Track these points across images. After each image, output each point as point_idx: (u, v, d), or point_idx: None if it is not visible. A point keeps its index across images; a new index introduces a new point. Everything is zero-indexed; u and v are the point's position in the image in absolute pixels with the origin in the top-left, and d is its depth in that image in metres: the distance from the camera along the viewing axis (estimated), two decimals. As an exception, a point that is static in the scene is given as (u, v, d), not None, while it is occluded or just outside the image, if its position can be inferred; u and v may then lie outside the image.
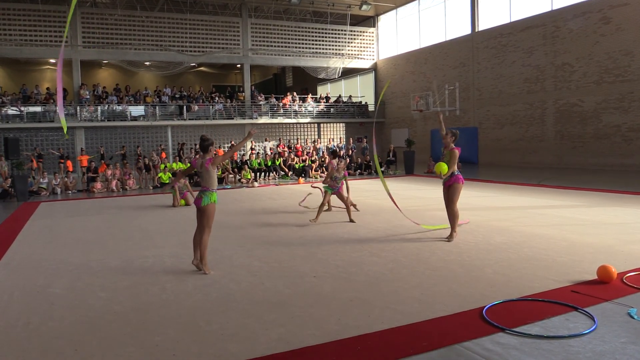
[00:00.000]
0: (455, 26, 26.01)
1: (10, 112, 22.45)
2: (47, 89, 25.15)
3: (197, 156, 5.87)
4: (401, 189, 14.61)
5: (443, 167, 6.95)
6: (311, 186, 11.95)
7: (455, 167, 7.10)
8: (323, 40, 29.75)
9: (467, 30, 24.97)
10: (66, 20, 23.48)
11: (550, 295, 4.55)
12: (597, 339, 3.62)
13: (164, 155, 20.91)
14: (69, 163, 19.64)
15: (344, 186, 9.40)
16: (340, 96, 31.36)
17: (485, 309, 4.23)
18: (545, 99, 21.04)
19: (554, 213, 9.30)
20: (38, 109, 23.11)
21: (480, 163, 23.98)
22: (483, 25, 24.24)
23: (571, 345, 3.52)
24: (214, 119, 26.20)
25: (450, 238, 7.10)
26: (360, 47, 31.18)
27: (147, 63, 26.49)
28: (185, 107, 25.48)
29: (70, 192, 16.50)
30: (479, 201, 9.50)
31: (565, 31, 20.02)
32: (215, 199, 5.75)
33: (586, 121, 19.49)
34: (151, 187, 17.32)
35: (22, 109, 22.59)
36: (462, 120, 24.92)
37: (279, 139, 26.19)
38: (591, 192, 12.05)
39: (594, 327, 3.79)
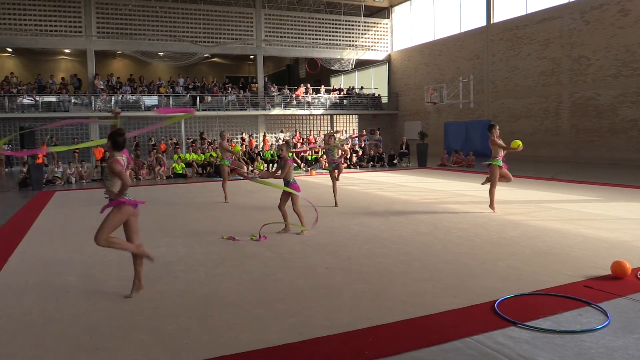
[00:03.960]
0: (470, 18, 25.74)
1: (25, 101, 22.72)
2: (62, 78, 25.36)
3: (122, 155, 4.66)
4: (414, 182, 14.56)
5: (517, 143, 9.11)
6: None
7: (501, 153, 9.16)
8: (337, 32, 29.61)
9: (482, 22, 24.69)
10: (80, 10, 23.91)
11: (563, 290, 4.51)
12: (609, 334, 3.58)
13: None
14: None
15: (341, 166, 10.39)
16: (353, 87, 31.22)
17: (497, 302, 4.21)
18: (561, 92, 20.76)
19: (568, 207, 9.22)
20: (53, 98, 23.36)
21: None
22: (498, 17, 23.95)
23: (583, 340, 3.49)
24: (227, 109, 26.29)
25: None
26: (374, 38, 30.99)
27: (161, 54, 26.58)
28: (198, 98, 25.58)
29: (84, 181, 16.67)
30: (492, 195, 9.54)
31: (582, 23, 19.71)
32: None
33: (602, 115, 19.22)
34: (164, 177, 17.42)
35: (37, 98, 22.83)
36: (475, 113, 24.71)
37: (295, 131, 26.22)
38: (606, 187, 11.91)
39: (606, 322, 3.76)
